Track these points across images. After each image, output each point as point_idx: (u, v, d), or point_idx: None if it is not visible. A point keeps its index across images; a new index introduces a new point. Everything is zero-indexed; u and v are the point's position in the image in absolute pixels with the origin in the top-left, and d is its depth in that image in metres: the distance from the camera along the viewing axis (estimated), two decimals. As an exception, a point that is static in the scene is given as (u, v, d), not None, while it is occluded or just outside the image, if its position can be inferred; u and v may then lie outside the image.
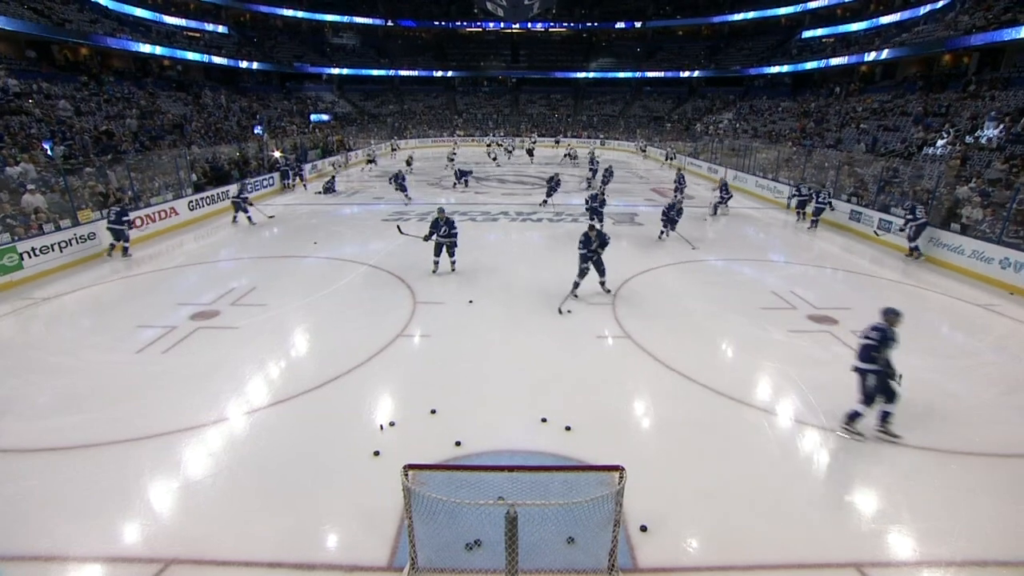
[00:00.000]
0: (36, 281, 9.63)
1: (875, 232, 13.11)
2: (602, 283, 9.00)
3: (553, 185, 17.09)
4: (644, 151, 37.66)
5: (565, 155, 32.11)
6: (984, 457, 4.93)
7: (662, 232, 12.86)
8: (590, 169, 23.23)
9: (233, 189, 16.59)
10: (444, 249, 9.85)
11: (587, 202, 13.43)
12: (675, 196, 16.54)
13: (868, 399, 5.02)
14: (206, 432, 5.17)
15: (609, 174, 20.55)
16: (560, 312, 8.20)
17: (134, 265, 10.90)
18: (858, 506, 4.31)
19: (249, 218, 15.50)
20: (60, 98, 22.26)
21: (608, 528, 3.25)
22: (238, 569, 3.66)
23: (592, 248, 8.55)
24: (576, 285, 8.78)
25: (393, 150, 37.93)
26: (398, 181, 18.30)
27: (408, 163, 26.14)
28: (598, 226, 8.77)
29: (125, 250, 11.33)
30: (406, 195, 18.26)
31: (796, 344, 7.28)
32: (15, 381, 6.14)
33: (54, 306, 8.56)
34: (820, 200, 14.49)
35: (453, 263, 10.09)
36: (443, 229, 9.58)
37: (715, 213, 16.29)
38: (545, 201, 17.25)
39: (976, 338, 7.71)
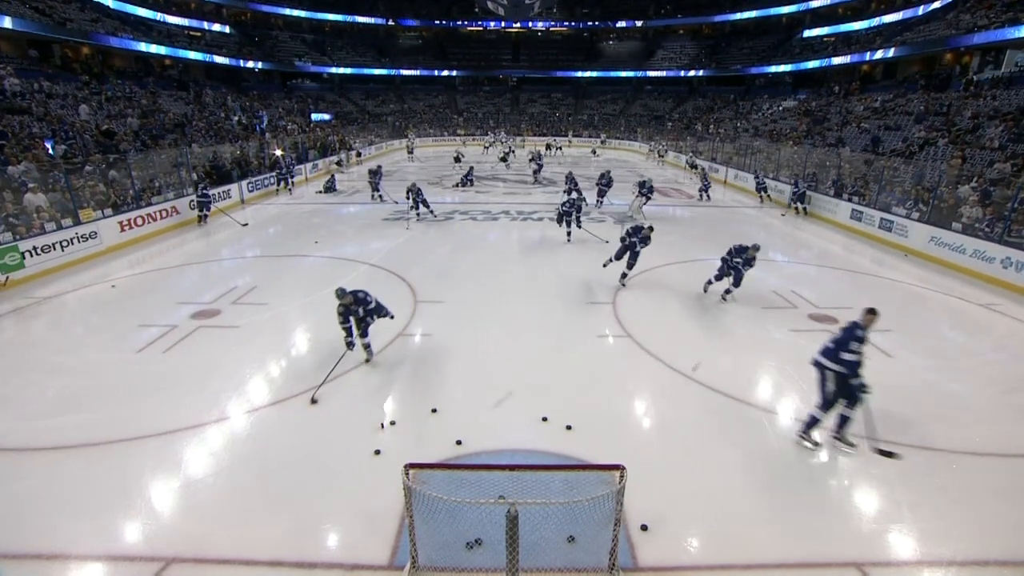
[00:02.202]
0: (37, 280, 9.64)
1: (795, 207, 16.49)
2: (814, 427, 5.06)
3: (574, 209, 12.36)
4: (663, 156, 32.29)
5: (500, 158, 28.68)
6: (984, 457, 4.93)
7: (723, 290, 8.97)
8: (536, 164, 22.84)
9: (372, 169, 18.35)
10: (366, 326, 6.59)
11: (626, 238, 9.11)
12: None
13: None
14: (207, 431, 5.17)
15: (571, 181, 16.57)
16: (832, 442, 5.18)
17: (136, 264, 10.91)
18: (859, 506, 4.31)
19: (381, 197, 16.74)
20: (80, 103, 22.35)
21: (609, 527, 3.25)
22: (239, 568, 3.66)
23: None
24: (815, 422, 4.96)
25: (410, 152, 34.56)
26: (418, 196, 14.89)
27: (409, 151, 26.49)
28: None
29: (205, 218, 14.30)
30: (429, 211, 15.38)
31: (797, 343, 7.27)
32: (16, 381, 6.15)
33: (55, 305, 8.56)
34: (760, 181, 18.11)
35: (368, 347, 6.69)
36: (359, 311, 6.43)
37: (638, 213, 16.16)
38: (569, 236, 12.57)
39: (976, 338, 7.71)
